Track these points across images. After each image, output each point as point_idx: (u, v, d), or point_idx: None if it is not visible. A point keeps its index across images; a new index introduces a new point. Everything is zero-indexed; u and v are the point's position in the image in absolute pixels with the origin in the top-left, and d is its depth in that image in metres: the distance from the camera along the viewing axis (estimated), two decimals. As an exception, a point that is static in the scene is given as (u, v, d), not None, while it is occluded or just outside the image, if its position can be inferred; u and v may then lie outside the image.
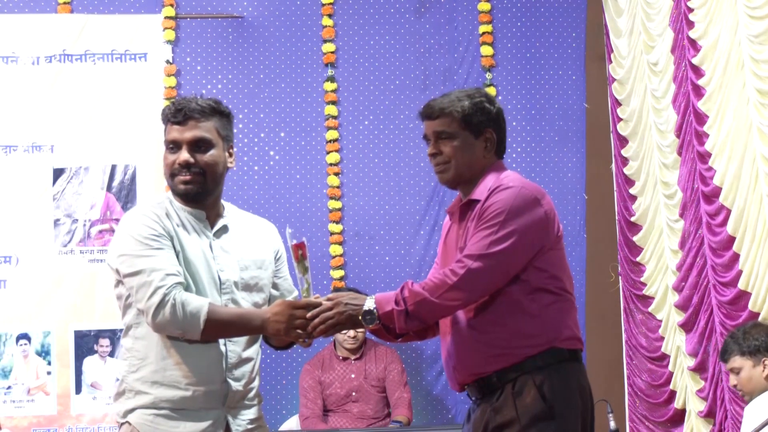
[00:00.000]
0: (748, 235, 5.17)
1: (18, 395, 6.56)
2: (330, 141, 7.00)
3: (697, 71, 5.65)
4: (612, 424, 5.39)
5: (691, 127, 5.73)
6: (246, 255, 3.37)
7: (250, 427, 3.33)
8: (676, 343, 6.12)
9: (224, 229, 3.38)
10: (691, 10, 5.68)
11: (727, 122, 5.31)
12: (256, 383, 3.38)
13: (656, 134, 6.26)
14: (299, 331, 3.24)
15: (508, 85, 7.14)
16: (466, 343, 3.28)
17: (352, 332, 6.29)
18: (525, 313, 3.22)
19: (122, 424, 3.27)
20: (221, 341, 3.27)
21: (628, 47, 6.63)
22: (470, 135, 3.34)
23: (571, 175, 7.11)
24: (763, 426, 4.24)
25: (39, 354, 6.59)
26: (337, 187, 6.98)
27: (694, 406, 5.92)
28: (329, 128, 7.01)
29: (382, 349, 6.49)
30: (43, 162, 6.67)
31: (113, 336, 6.57)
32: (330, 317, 3.24)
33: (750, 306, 5.17)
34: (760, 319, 5.04)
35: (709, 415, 5.73)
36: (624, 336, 6.85)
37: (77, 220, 6.67)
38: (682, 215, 5.98)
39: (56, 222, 6.66)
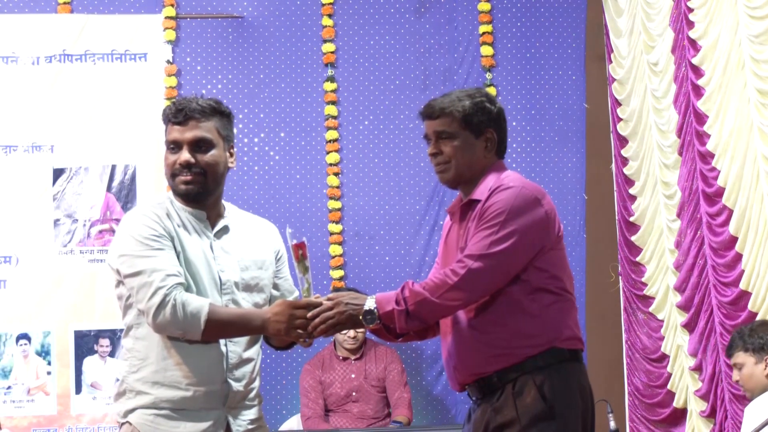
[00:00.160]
0: (750, 235, 5.18)
1: (18, 395, 6.56)
2: (330, 141, 7.00)
3: (697, 71, 5.65)
4: (612, 424, 5.40)
5: (692, 128, 5.73)
6: (246, 255, 3.36)
7: (250, 427, 3.33)
8: (676, 343, 6.13)
9: (225, 229, 3.38)
10: (691, 10, 5.68)
11: (729, 122, 5.31)
12: (256, 383, 3.38)
13: (657, 134, 6.26)
14: (300, 331, 3.24)
15: (508, 85, 7.14)
16: (467, 343, 3.28)
17: (352, 332, 6.29)
18: (525, 313, 3.22)
19: (123, 424, 3.27)
20: (222, 342, 3.26)
21: (628, 47, 6.63)
22: (471, 135, 3.33)
23: (570, 175, 7.11)
24: (763, 426, 4.24)
25: (39, 354, 6.59)
26: (337, 187, 6.98)
27: (696, 406, 5.92)
28: (329, 128, 7.01)
29: (382, 349, 6.49)
30: (43, 162, 6.67)
31: (113, 336, 6.57)
32: (330, 317, 3.24)
33: (749, 306, 5.18)
34: (757, 319, 5.06)
35: (709, 415, 5.73)
36: (624, 336, 6.85)
37: (77, 220, 6.67)
38: (679, 215, 5.98)
39: (56, 222, 6.66)
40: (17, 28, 6.74)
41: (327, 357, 6.47)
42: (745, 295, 5.25)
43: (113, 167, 6.72)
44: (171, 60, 6.90)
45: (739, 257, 5.28)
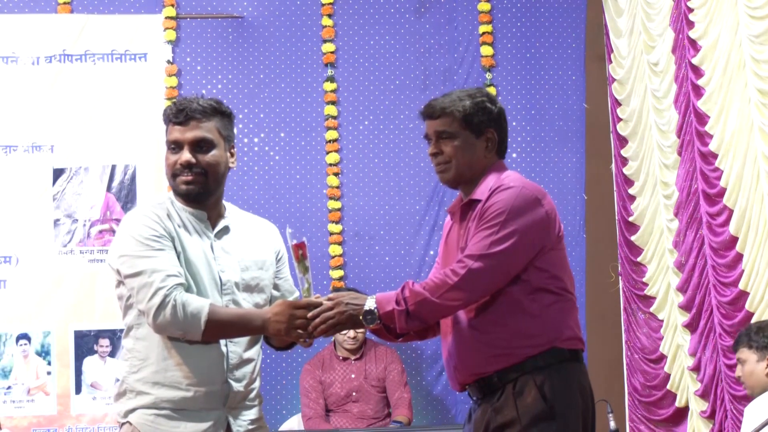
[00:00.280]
0: (750, 235, 5.18)
1: (18, 395, 6.56)
2: (330, 141, 7.00)
3: (697, 71, 5.65)
4: (612, 424, 5.40)
5: (692, 128, 5.73)
6: (247, 256, 3.36)
7: (251, 427, 3.33)
8: (676, 343, 6.12)
9: (225, 229, 3.38)
10: (691, 10, 5.68)
11: (732, 123, 5.31)
12: (257, 384, 3.38)
13: (657, 134, 6.26)
14: (300, 331, 3.24)
15: (508, 85, 7.14)
16: (467, 343, 3.28)
17: (351, 333, 6.29)
18: (526, 313, 3.22)
19: (123, 424, 3.27)
20: (222, 342, 3.26)
21: (628, 47, 6.63)
22: (471, 135, 3.33)
23: (570, 175, 7.11)
24: (763, 426, 4.25)
25: (39, 354, 6.59)
26: (337, 187, 6.98)
27: (696, 406, 5.92)
28: (329, 128, 7.01)
29: (382, 349, 6.49)
30: (43, 162, 6.67)
31: (113, 336, 6.57)
32: (331, 317, 3.24)
33: (747, 306, 5.19)
34: (754, 319, 5.09)
35: (709, 415, 5.73)
36: (624, 336, 6.85)
37: (77, 220, 6.67)
38: (676, 215, 5.98)
39: (56, 222, 6.66)
40: (17, 28, 6.74)
41: (327, 357, 6.47)
42: (743, 295, 5.25)
43: (113, 167, 6.72)
44: (171, 60, 6.90)
45: (739, 257, 5.29)
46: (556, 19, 7.20)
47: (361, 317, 3.23)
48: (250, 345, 3.34)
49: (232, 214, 3.44)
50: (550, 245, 3.26)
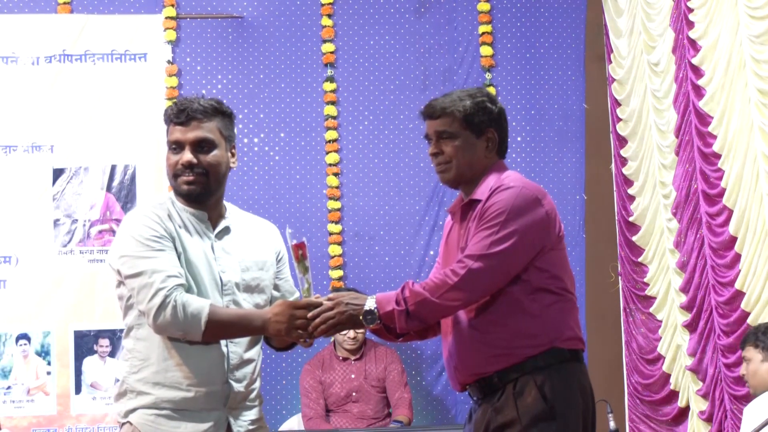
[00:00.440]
0: (749, 235, 5.18)
1: (18, 395, 6.56)
2: (329, 141, 7.00)
3: (697, 71, 5.65)
4: (612, 424, 5.40)
5: (691, 128, 5.73)
6: (247, 256, 3.36)
7: (251, 428, 3.33)
8: (675, 343, 6.13)
9: (226, 230, 3.37)
10: (691, 10, 5.68)
11: (734, 123, 5.31)
12: (257, 384, 3.38)
13: (656, 135, 6.26)
14: (300, 331, 3.24)
15: (508, 85, 7.14)
16: (467, 343, 3.28)
17: (351, 333, 6.29)
18: (526, 313, 3.22)
19: (123, 424, 3.27)
20: (223, 343, 3.26)
21: (628, 47, 6.63)
22: (471, 135, 3.33)
23: (570, 175, 7.11)
24: (763, 426, 4.25)
25: (39, 354, 6.59)
26: (337, 187, 6.98)
27: (696, 406, 5.92)
28: (329, 128, 7.01)
29: (382, 349, 6.49)
30: (43, 162, 6.67)
31: (113, 336, 6.57)
32: (331, 317, 3.24)
33: (743, 305, 5.20)
34: (749, 319, 5.11)
35: (709, 415, 5.73)
36: (624, 336, 6.86)
37: (77, 220, 6.67)
38: (675, 215, 5.98)
39: (56, 222, 6.66)
40: (17, 28, 6.74)
41: (327, 357, 6.47)
42: (740, 295, 5.26)
43: (113, 167, 6.72)
44: (171, 60, 6.90)
45: (738, 257, 5.29)
46: (555, 19, 7.20)
47: (361, 317, 3.23)
48: (251, 345, 3.34)
49: (233, 214, 3.43)
50: (550, 245, 3.26)
